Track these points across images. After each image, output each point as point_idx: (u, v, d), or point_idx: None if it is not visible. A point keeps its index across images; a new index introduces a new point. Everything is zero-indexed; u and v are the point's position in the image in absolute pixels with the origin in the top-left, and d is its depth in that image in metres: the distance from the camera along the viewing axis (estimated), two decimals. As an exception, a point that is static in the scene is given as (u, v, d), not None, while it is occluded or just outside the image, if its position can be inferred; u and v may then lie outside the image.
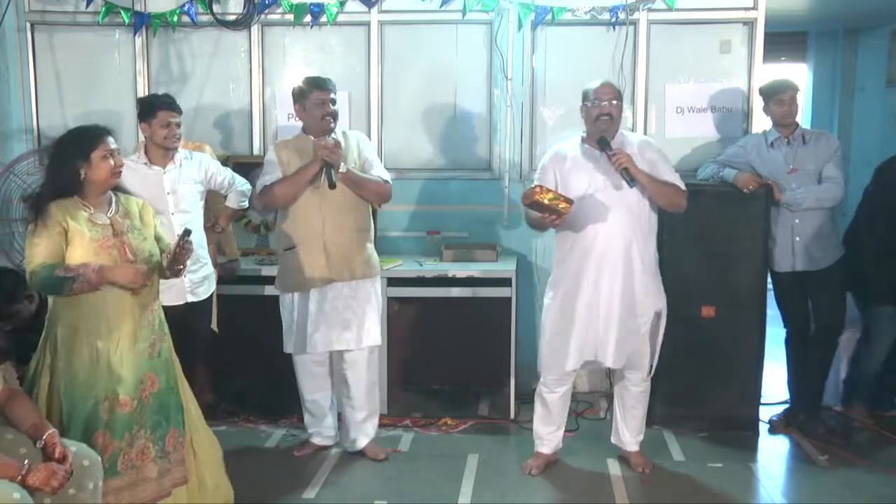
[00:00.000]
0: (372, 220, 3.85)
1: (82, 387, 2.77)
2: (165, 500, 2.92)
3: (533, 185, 3.40)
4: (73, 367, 2.77)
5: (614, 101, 3.50)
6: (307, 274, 3.64)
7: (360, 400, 3.83)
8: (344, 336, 3.71)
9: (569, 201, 3.34)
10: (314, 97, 3.63)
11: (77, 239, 2.74)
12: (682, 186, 3.55)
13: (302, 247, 3.65)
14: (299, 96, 3.69)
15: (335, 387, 3.94)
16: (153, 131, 3.66)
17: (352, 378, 3.81)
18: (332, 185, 3.50)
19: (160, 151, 3.70)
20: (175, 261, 2.85)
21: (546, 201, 3.32)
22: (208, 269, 3.86)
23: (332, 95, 3.66)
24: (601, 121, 3.49)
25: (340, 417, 3.99)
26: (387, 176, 3.78)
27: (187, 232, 2.87)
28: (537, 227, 3.60)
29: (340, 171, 3.54)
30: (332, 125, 3.67)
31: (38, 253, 2.71)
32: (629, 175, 3.39)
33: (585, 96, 3.57)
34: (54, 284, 2.69)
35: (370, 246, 3.79)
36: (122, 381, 2.79)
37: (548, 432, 3.76)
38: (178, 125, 3.70)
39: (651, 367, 3.64)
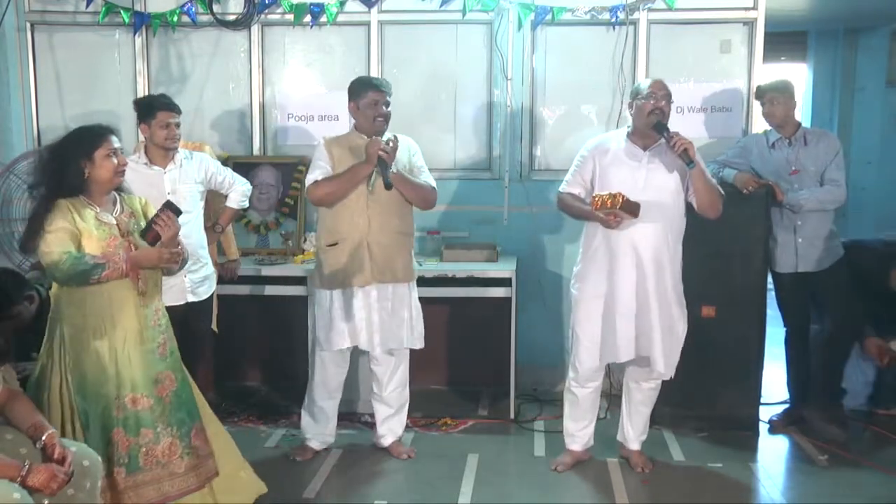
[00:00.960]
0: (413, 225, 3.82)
1: (93, 386, 2.78)
2: (197, 494, 2.96)
3: (614, 193, 3.38)
4: (82, 366, 2.78)
5: (666, 99, 3.51)
6: (352, 272, 3.61)
7: (388, 397, 3.86)
8: (388, 337, 3.69)
9: (637, 204, 3.37)
10: (369, 97, 3.62)
11: (85, 238, 2.75)
12: (721, 191, 3.57)
13: (346, 244, 3.61)
14: (354, 94, 3.67)
15: (360, 386, 3.99)
16: (153, 132, 3.66)
17: (382, 375, 3.83)
18: (388, 186, 3.48)
19: (160, 152, 3.70)
20: (151, 231, 2.79)
21: (619, 208, 3.36)
22: (209, 269, 3.86)
23: (388, 97, 3.66)
24: (654, 115, 3.48)
25: (352, 418, 4.00)
26: (434, 183, 3.78)
27: (167, 204, 2.84)
28: (577, 217, 3.64)
29: (391, 171, 3.53)
30: (384, 126, 3.67)
31: (57, 241, 2.70)
32: (688, 157, 3.38)
33: (637, 93, 3.57)
34: (82, 272, 2.69)
35: (410, 250, 3.77)
36: (132, 379, 2.81)
37: (578, 428, 3.77)
38: (178, 125, 3.70)
39: (672, 369, 3.66)
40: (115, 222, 2.84)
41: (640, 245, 3.47)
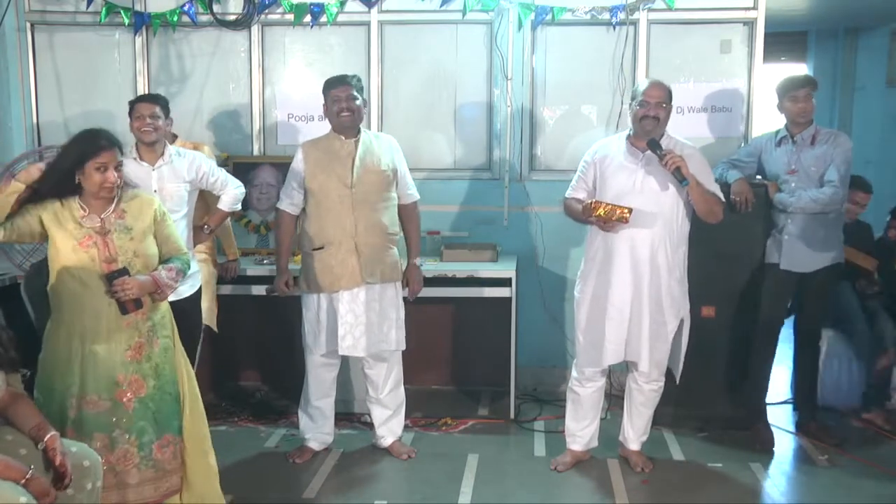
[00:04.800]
0: (399, 224, 3.84)
1: (53, 381, 2.78)
2: None
3: (589, 203, 3.44)
4: (48, 359, 2.80)
5: (661, 104, 3.48)
6: (339, 275, 3.63)
7: (385, 399, 3.86)
8: (374, 340, 3.69)
9: (627, 209, 3.38)
10: (330, 94, 3.64)
11: (59, 238, 2.78)
12: (722, 198, 3.57)
13: (332, 247, 3.63)
14: (323, 97, 3.70)
15: (357, 386, 4.00)
16: (132, 125, 3.62)
17: (376, 377, 3.83)
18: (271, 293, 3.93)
19: (147, 148, 3.63)
20: (119, 303, 2.77)
21: (603, 214, 3.39)
22: (193, 268, 3.79)
23: (352, 91, 3.63)
24: (646, 122, 3.47)
25: (350, 418, 3.99)
26: (415, 193, 3.87)
27: (112, 275, 2.77)
28: (579, 221, 3.65)
29: (417, 262, 3.88)
30: (351, 121, 3.65)
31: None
32: (681, 175, 3.38)
33: (633, 95, 3.57)
34: None
35: (396, 249, 3.79)
36: (91, 379, 2.78)
37: (579, 428, 3.78)
38: (155, 117, 3.61)
39: (678, 371, 3.68)
40: (98, 224, 2.82)
41: (638, 247, 3.48)
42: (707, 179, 3.53)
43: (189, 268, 3.08)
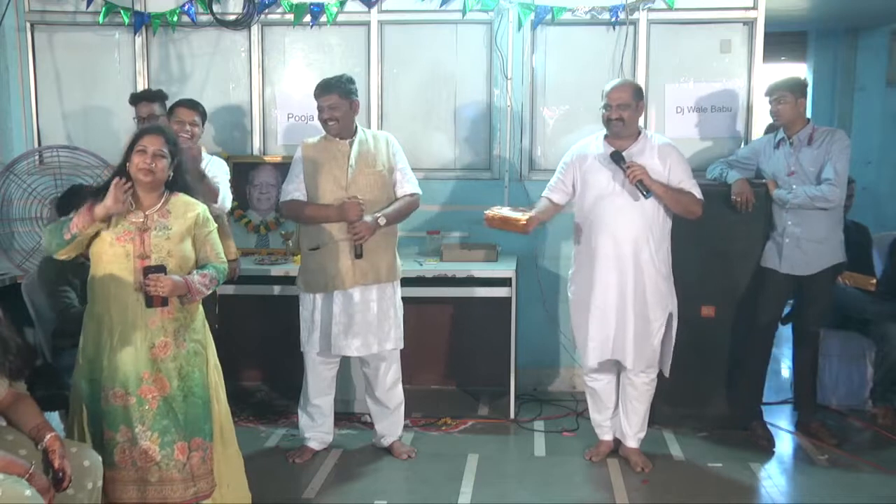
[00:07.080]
0: (397, 226, 3.82)
1: (90, 371, 2.84)
2: None
3: (486, 213, 3.62)
4: (86, 350, 2.86)
5: (624, 105, 3.50)
6: (333, 275, 3.63)
7: (383, 397, 3.86)
8: (369, 340, 3.69)
9: (523, 219, 3.52)
10: (317, 104, 3.65)
11: (103, 232, 2.82)
12: (699, 195, 3.57)
13: (329, 247, 3.63)
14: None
15: (357, 386, 4.01)
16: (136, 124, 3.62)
17: (374, 378, 3.84)
18: (359, 256, 3.57)
19: None
20: (146, 295, 2.79)
21: (499, 222, 3.58)
22: None
23: (335, 98, 3.60)
24: (612, 124, 3.52)
25: (350, 418, 4.00)
26: (416, 187, 3.80)
27: (150, 269, 2.78)
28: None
29: (380, 222, 3.59)
30: (337, 130, 3.64)
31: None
32: (644, 187, 3.42)
33: (602, 97, 3.59)
34: (53, 229, 2.83)
35: (394, 250, 3.78)
36: (118, 372, 2.80)
37: (604, 419, 3.81)
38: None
39: (667, 367, 3.69)
40: (141, 219, 2.84)
41: (621, 245, 3.52)
42: (683, 176, 3.55)
43: (224, 277, 3.03)
